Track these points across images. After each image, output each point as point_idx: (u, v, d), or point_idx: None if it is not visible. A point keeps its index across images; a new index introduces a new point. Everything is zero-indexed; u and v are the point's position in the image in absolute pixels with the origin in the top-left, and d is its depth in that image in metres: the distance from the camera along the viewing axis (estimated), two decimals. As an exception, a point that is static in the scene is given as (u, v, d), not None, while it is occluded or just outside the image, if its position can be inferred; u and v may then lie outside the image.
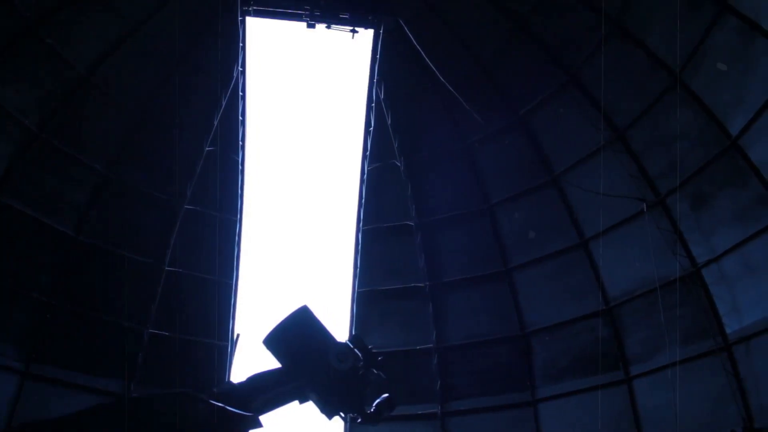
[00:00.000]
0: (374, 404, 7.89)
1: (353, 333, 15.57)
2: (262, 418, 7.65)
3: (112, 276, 14.29)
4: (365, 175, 15.57)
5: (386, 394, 8.00)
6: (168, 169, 14.79)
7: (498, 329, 15.01)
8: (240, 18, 14.10)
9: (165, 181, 14.78)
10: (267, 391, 7.87)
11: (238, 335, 15.00)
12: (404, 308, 15.59)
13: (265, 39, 22.77)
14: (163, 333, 14.68)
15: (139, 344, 14.39)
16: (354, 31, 13.94)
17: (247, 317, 15.79)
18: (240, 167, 15.40)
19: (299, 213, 31.40)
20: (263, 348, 8.19)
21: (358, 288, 15.76)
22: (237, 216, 15.56)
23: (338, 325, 16.11)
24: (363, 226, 15.79)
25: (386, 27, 14.08)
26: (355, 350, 7.99)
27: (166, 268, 14.82)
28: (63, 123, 13.39)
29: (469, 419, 14.75)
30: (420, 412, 14.93)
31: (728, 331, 12.09)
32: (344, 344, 7.98)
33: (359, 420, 7.85)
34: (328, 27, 13.91)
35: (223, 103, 14.71)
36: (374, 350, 14.94)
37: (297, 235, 29.80)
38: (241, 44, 14.42)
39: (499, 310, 15.05)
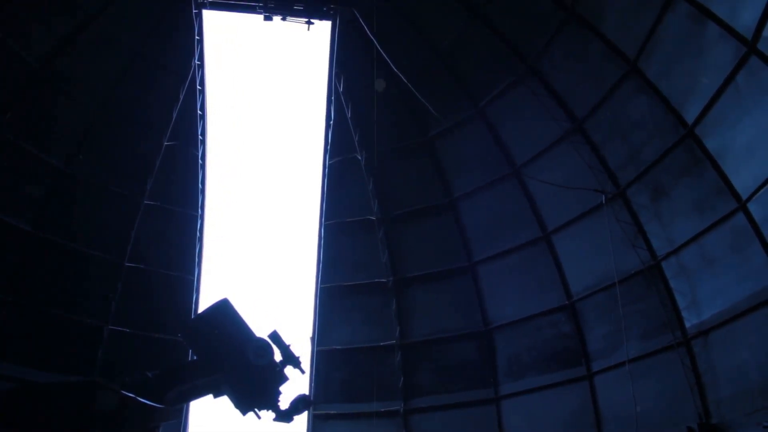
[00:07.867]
0: (290, 402, 7.77)
1: (316, 330, 15.38)
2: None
3: (71, 272, 14.19)
4: (327, 169, 15.35)
5: (303, 393, 7.92)
6: (127, 163, 14.69)
7: (462, 325, 14.77)
8: (195, 11, 13.94)
9: (124, 176, 14.67)
10: (182, 384, 7.73)
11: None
12: (367, 304, 15.37)
13: (226, 33, 22.65)
14: (124, 329, 14.57)
15: (99, 341, 14.26)
16: (309, 23, 13.70)
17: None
18: (200, 162, 15.25)
19: (263, 208, 31.27)
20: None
21: (322, 283, 15.56)
22: (198, 211, 15.42)
23: (301, 321, 15.92)
24: (326, 220, 15.57)
25: (343, 19, 13.83)
26: (274, 346, 7.86)
27: (127, 264, 14.71)
28: (17, 117, 13.21)
29: (431, 416, 14.50)
30: (383, 410, 14.68)
31: (687, 324, 11.78)
32: (263, 340, 7.87)
33: (274, 417, 7.70)
34: (284, 19, 13.69)
35: (181, 97, 14.55)
36: (338, 347, 14.82)
37: (260, 231, 29.61)
38: (197, 37, 14.24)
39: (463, 305, 14.80)
